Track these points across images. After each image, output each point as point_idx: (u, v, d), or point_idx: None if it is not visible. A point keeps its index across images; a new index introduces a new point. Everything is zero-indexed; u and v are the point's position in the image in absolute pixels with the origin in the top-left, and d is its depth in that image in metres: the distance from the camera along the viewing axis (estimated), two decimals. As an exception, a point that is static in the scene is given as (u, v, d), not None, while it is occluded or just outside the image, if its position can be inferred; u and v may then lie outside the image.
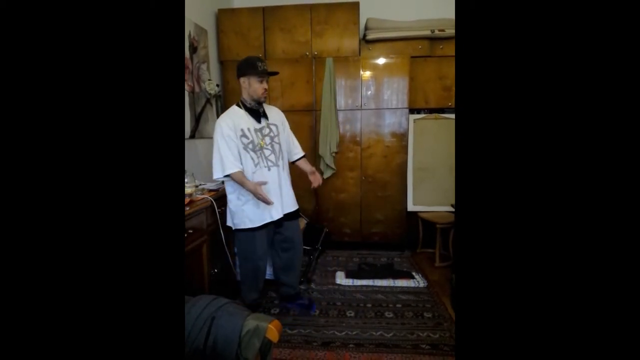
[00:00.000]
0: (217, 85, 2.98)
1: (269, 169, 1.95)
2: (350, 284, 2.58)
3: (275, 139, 1.98)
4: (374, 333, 1.96)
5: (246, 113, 1.93)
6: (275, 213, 1.98)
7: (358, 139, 3.18)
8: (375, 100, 3.12)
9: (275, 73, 1.98)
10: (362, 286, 2.54)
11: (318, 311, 2.20)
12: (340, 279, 2.65)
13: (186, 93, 2.59)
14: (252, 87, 1.89)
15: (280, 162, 1.99)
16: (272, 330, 1.12)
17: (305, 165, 2.16)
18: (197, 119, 2.74)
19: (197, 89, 2.75)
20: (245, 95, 1.94)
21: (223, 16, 3.14)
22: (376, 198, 3.21)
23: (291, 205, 2.07)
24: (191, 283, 1.80)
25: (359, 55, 3.10)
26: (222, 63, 3.22)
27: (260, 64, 1.88)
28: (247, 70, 1.88)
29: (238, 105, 1.96)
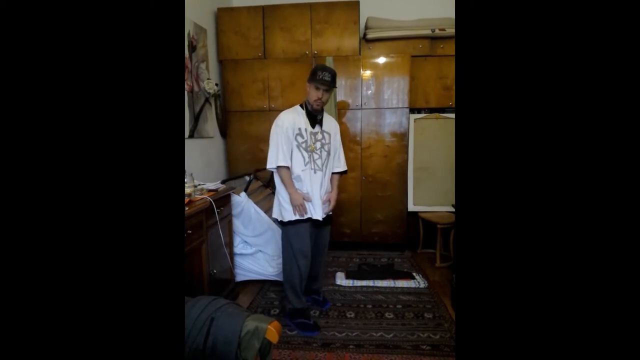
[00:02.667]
0: (216, 85, 2.97)
1: (315, 172, 2.00)
2: (351, 284, 2.57)
3: (325, 147, 2.03)
4: (374, 334, 1.95)
5: (306, 114, 2.00)
6: (316, 213, 2.02)
7: (358, 138, 3.17)
8: (376, 100, 3.11)
9: (333, 86, 1.94)
10: (362, 287, 2.54)
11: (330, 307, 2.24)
12: (340, 279, 2.64)
13: (185, 92, 2.58)
14: (310, 93, 1.96)
15: (325, 169, 2.04)
16: (272, 331, 1.11)
17: (336, 183, 2.16)
18: (196, 119, 2.73)
19: (196, 89, 2.74)
20: (307, 99, 2.00)
21: (222, 15, 3.14)
22: (376, 198, 3.20)
23: (326, 212, 2.10)
24: (190, 284, 1.79)
25: (359, 54, 3.10)
26: (221, 62, 3.22)
27: (320, 74, 1.91)
28: (311, 76, 1.95)
29: (301, 105, 2.04)
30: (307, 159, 1.97)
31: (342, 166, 2.18)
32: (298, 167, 1.97)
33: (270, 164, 1.95)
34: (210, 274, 1.99)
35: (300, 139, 1.96)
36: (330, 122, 2.10)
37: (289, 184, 1.96)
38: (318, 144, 2.01)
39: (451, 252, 2.88)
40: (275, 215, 2.10)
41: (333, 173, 2.14)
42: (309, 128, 1.99)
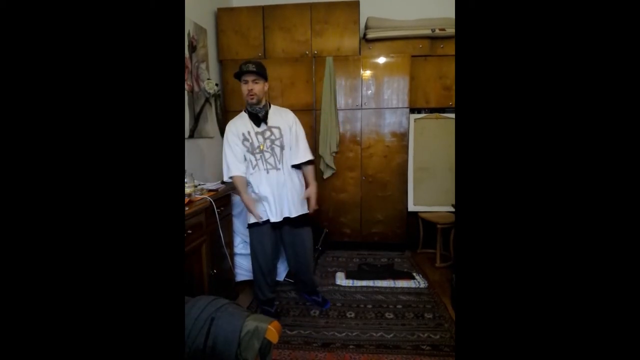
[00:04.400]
0: (217, 85, 2.97)
1: (267, 172, 1.99)
2: (351, 284, 2.57)
3: (277, 142, 1.99)
4: (374, 334, 1.95)
5: (249, 117, 2.00)
6: (272, 216, 2.02)
7: (358, 138, 3.17)
8: (376, 100, 3.11)
9: (260, 73, 1.91)
10: (362, 287, 2.54)
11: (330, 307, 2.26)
12: (340, 279, 2.64)
13: (185, 92, 2.58)
14: (242, 90, 1.96)
15: (281, 166, 2.00)
16: (272, 331, 1.11)
17: (308, 176, 2.12)
18: (196, 119, 2.73)
19: (196, 89, 2.74)
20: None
21: (222, 15, 3.14)
22: (376, 198, 3.20)
23: (293, 211, 2.05)
24: (190, 283, 1.79)
25: (359, 54, 3.10)
26: (221, 62, 3.22)
27: (243, 67, 1.90)
28: (236, 75, 1.94)
29: (245, 110, 2.03)
30: (254, 162, 1.99)
31: (302, 157, 2.05)
32: (249, 171, 2.01)
33: (225, 177, 2.02)
34: (210, 274, 1.99)
35: (247, 144, 1.98)
36: (279, 116, 2.03)
37: (240, 191, 1.99)
38: (268, 142, 1.98)
39: (451, 252, 2.88)
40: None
41: (293, 166, 2.05)
42: (254, 129, 1.98)
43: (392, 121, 3.12)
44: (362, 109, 3.12)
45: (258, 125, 1.98)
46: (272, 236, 2.08)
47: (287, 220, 2.05)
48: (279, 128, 2.01)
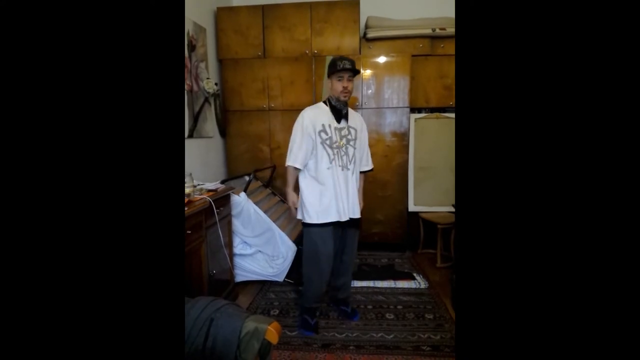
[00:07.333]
0: (216, 84, 2.95)
1: (342, 169, 1.92)
2: (351, 285, 2.55)
3: (352, 143, 1.94)
4: (375, 335, 1.94)
5: (330, 110, 1.94)
6: (343, 214, 1.92)
7: (358, 138, 3.16)
8: (376, 99, 3.11)
9: (357, 72, 1.89)
10: (362, 287, 2.52)
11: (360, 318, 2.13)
12: (341, 279, 2.62)
13: (184, 92, 2.57)
14: (333, 86, 1.90)
15: (351, 167, 1.94)
16: (272, 332, 1.11)
17: (360, 182, 2.09)
18: (195, 119, 2.71)
19: (195, 88, 2.72)
20: (330, 95, 1.95)
21: (222, 14, 3.13)
22: (376, 198, 3.18)
23: (356, 213, 1.99)
24: (190, 284, 1.78)
25: (360, 53, 3.09)
26: (221, 62, 3.20)
27: (340, 63, 1.85)
28: (330, 69, 1.90)
29: (325, 102, 1.97)
30: (332, 156, 1.89)
31: (369, 164, 2.10)
32: (324, 165, 1.89)
33: (288, 161, 1.92)
34: (210, 275, 1.98)
35: (324, 136, 1.89)
36: (356, 118, 2.02)
37: (289, 182, 1.94)
38: (344, 140, 1.93)
39: (452, 253, 2.87)
40: (299, 216, 2.01)
41: (360, 172, 2.04)
42: (334, 124, 1.91)
43: (392, 121, 3.12)
44: (362, 108, 3.11)
45: (339, 121, 1.92)
46: (335, 237, 1.98)
47: (352, 220, 1.99)
48: (355, 129, 1.97)
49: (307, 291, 2.03)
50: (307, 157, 1.91)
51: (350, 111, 2.01)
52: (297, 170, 1.93)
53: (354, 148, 1.95)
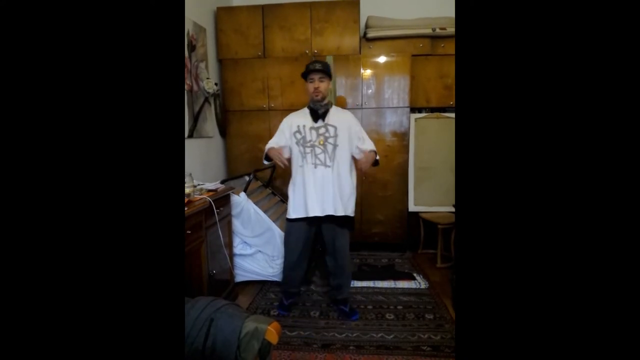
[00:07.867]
0: (216, 84, 2.95)
1: (315, 167, 2.01)
2: (351, 285, 2.55)
3: (330, 140, 2.01)
4: (375, 335, 1.94)
5: (309, 112, 2.07)
6: (312, 210, 2.02)
7: (358, 138, 3.15)
8: (376, 99, 3.10)
9: (326, 72, 1.99)
10: (362, 287, 2.52)
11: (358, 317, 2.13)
12: (341, 279, 2.62)
13: (184, 92, 2.57)
14: (307, 88, 2.05)
15: (331, 164, 2.00)
16: (272, 332, 1.10)
17: (370, 155, 2.02)
18: (195, 118, 2.71)
19: (195, 88, 2.72)
20: (309, 97, 2.08)
21: (222, 14, 3.12)
22: (377, 198, 3.18)
23: (333, 210, 2.01)
24: (190, 284, 1.77)
25: (360, 53, 3.08)
26: (220, 62, 3.20)
27: (310, 65, 2.01)
28: (303, 74, 2.05)
29: (307, 106, 2.11)
30: (304, 154, 2.02)
31: (368, 147, 2.05)
32: (297, 163, 2.05)
33: (266, 150, 2.09)
34: (210, 275, 1.98)
35: (298, 136, 2.04)
36: (338, 117, 2.06)
37: (268, 149, 2.07)
38: (322, 138, 2.01)
39: (452, 253, 2.87)
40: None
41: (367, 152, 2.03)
42: (309, 124, 2.03)
43: (392, 121, 3.11)
44: (362, 108, 3.11)
45: (315, 120, 2.03)
46: (306, 232, 2.10)
47: (329, 218, 2.02)
48: (335, 127, 2.02)
49: (282, 274, 2.27)
50: (278, 145, 2.08)
51: (335, 109, 2.10)
52: (272, 147, 2.07)
53: (335, 145, 2.01)
